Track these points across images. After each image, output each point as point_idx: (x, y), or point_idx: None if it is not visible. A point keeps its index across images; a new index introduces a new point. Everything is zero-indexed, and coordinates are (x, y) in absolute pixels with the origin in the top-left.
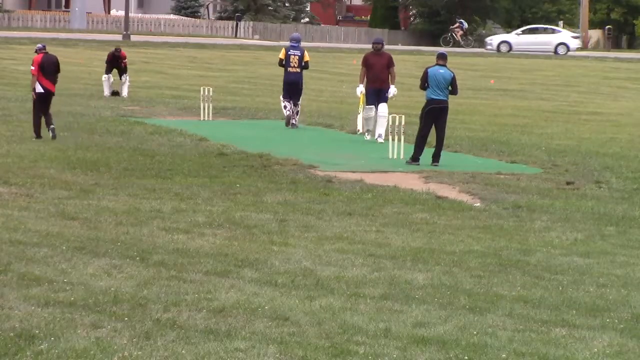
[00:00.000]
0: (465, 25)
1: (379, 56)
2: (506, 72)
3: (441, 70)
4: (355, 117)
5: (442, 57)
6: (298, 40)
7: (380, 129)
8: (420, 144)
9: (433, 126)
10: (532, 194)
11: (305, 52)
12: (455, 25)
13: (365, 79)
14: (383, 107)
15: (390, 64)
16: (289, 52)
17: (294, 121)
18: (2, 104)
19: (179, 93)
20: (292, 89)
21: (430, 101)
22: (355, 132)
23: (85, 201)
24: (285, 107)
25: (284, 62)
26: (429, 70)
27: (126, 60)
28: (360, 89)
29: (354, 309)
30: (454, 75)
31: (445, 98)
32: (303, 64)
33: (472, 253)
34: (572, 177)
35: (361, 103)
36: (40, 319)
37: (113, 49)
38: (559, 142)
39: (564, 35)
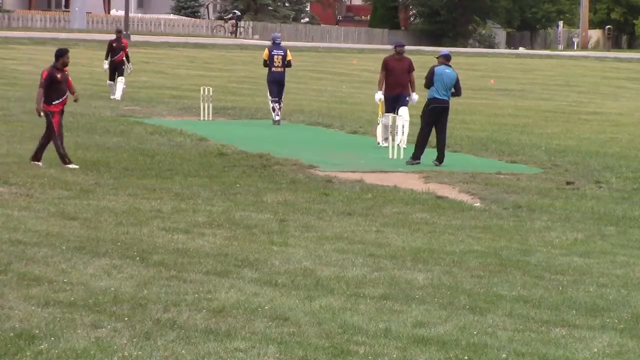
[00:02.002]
0: (239, 15)
1: (400, 60)
2: (506, 72)
3: (447, 70)
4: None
5: (448, 58)
6: (279, 40)
7: (403, 135)
8: (422, 143)
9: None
10: (532, 194)
11: (288, 51)
12: (229, 16)
13: (384, 84)
14: (404, 111)
15: (410, 68)
16: (272, 53)
17: (277, 117)
18: (2, 104)
19: (179, 93)
20: (277, 88)
21: (432, 100)
22: (376, 143)
23: (85, 201)
24: (273, 109)
25: (267, 63)
26: (435, 69)
27: (128, 49)
28: (379, 96)
29: (354, 309)
30: (457, 75)
31: (447, 98)
32: (286, 62)
33: (472, 253)
34: (572, 177)
35: (380, 111)
36: (40, 319)
37: (114, 35)
38: (559, 142)
39: None
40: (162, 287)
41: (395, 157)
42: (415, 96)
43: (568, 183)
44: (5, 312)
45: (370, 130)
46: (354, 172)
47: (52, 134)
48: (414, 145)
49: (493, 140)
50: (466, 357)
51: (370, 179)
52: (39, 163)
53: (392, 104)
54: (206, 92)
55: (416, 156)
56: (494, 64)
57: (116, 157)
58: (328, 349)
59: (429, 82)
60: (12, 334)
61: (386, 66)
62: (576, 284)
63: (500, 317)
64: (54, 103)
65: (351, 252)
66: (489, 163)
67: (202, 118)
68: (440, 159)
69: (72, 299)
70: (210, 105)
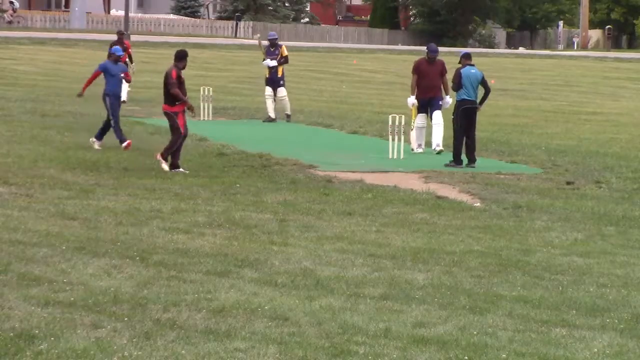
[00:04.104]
0: (17, 5)
1: (432, 64)
2: (506, 72)
3: (472, 71)
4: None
5: (469, 57)
6: None
7: (438, 138)
8: (459, 146)
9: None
10: (532, 194)
11: None
12: (5, 6)
13: (416, 87)
14: (438, 115)
15: (443, 71)
16: None
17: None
18: (2, 104)
19: None
20: None
21: (464, 102)
22: (410, 149)
23: (85, 201)
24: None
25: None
26: (462, 71)
27: (131, 49)
28: (413, 101)
29: (354, 309)
30: (483, 74)
31: (476, 99)
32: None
33: (472, 253)
34: (572, 177)
35: (413, 117)
36: (40, 319)
37: (116, 36)
38: (559, 142)
39: None
40: (162, 287)
41: (395, 157)
42: (448, 99)
43: (568, 183)
44: (5, 312)
45: (371, 130)
46: (354, 172)
47: (177, 135)
48: (409, 144)
49: (493, 140)
50: (466, 357)
51: (370, 179)
52: (181, 169)
53: (425, 106)
54: (206, 92)
55: (458, 161)
56: (494, 64)
57: (116, 157)
58: (328, 349)
59: (458, 85)
60: (12, 334)
61: (417, 69)
62: (576, 284)
63: (500, 317)
64: (177, 104)
65: (351, 252)
66: (489, 163)
67: (202, 118)
68: (473, 159)
69: (72, 299)
70: (210, 105)
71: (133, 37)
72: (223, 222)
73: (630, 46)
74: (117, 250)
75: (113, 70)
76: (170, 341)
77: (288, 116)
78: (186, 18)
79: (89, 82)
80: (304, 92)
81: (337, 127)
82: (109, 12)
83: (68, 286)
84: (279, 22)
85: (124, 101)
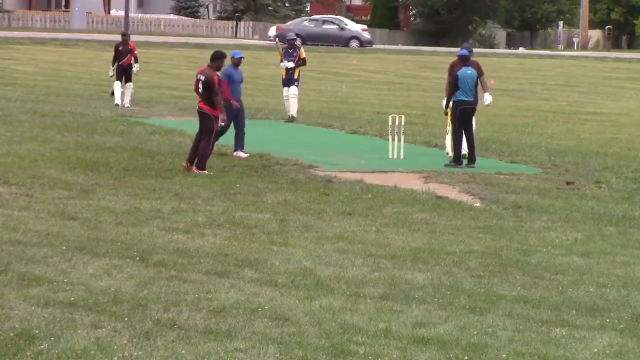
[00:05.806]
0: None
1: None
2: (506, 72)
3: (469, 72)
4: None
5: (463, 59)
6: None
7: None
8: (459, 146)
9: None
10: (532, 194)
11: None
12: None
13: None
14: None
15: (479, 73)
16: None
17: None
18: (2, 104)
19: (179, 93)
20: None
21: (461, 102)
22: (445, 153)
23: (85, 201)
24: None
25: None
26: (458, 73)
27: (136, 52)
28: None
29: (354, 309)
30: (478, 75)
31: (474, 99)
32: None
33: (472, 253)
34: (572, 177)
35: (449, 120)
36: (40, 319)
37: (120, 38)
38: (559, 142)
39: None
40: (162, 287)
41: (395, 157)
42: (487, 96)
43: (568, 183)
44: (5, 312)
45: (370, 130)
46: (354, 172)
47: (212, 138)
48: (409, 144)
49: (493, 140)
50: (466, 357)
51: (370, 179)
52: (205, 172)
53: None
54: None
55: (458, 161)
56: (494, 64)
57: (116, 157)
58: (328, 349)
59: (455, 87)
60: (12, 334)
61: (452, 70)
62: (576, 284)
63: (500, 317)
64: (217, 107)
65: (351, 252)
66: (489, 163)
67: None
68: (472, 159)
69: (72, 299)
70: None
71: (133, 37)
72: (223, 222)
73: (630, 46)
74: (117, 250)
75: (235, 75)
76: (170, 341)
77: (290, 118)
78: (186, 18)
79: (226, 96)
80: (304, 92)
81: (337, 127)
82: (109, 12)
83: (68, 286)
84: (278, 22)
85: (128, 106)
